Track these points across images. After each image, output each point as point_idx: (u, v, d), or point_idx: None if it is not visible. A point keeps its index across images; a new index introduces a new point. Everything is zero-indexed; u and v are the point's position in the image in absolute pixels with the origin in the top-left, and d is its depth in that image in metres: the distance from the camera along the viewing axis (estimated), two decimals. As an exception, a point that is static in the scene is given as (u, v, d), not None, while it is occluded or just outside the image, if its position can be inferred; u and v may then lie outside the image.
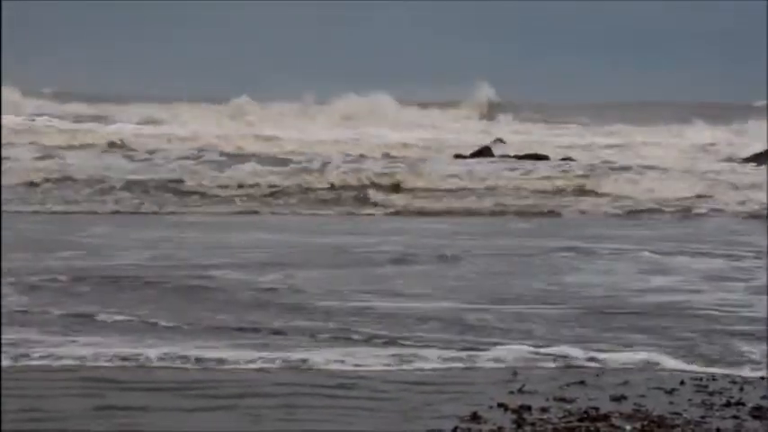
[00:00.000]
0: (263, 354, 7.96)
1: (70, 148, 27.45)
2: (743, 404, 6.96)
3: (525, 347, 8.30)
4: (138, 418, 6.53)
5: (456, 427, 6.31)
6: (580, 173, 23.75)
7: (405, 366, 7.83)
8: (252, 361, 7.81)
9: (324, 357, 7.93)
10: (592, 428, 6.33)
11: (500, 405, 6.81)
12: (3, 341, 8.10)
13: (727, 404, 6.97)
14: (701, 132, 35.45)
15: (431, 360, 7.99)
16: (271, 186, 21.53)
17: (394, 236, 15.63)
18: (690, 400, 7.10)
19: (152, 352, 7.95)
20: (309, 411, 6.72)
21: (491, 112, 42.14)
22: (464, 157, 27.78)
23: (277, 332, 8.87)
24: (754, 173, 24.61)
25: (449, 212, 19.58)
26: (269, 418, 6.56)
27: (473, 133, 33.59)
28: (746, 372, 7.83)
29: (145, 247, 13.80)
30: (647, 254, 13.81)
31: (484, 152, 28.20)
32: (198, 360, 7.82)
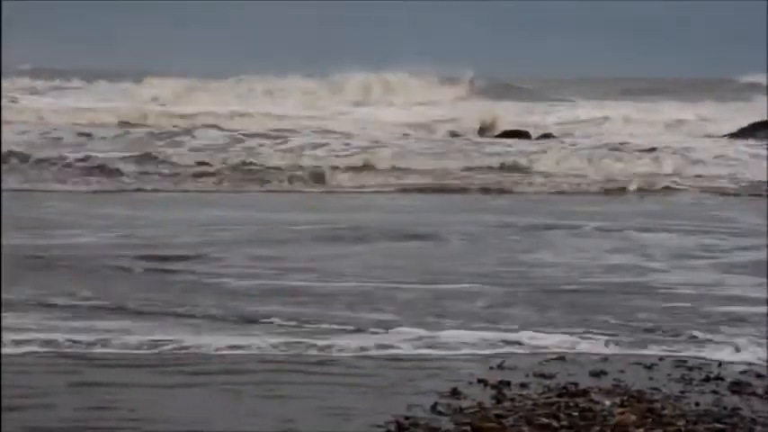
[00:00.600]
0: (236, 340, 7.91)
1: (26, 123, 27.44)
2: (722, 379, 7.10)
3: (490, 333, 8.25)
4: (115, 395, 6.59)
5: (436, 403, 6.40)
6: (557, 149, 23.85)
7: (382, 348, 7.85)
8: (235, 347, 7.77)
9: (297, 340, 7.93)
10: (571, 404, 6.43)
11: (480, 381, 6.91)
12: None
13: (707, 379, 7.11)
14: (681, 108, 35.57)
15: (408, 339, 8.05)
16: (246, 164, 21.58)
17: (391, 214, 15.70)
18: (669, 375, 7.23)
19: (130, 338, 7.91)
20: (289, 388, 6.80)
21: (475, 90, 42.10)
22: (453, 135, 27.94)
23: (248, 319, 8.75)
24: (735, 148, 24.58)
25: (418, 189, 19.58)
26: (249, 395, 6.64)
27: (461, 111, 33.53)
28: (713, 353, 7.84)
29: (106, 226, 13.77)
30: (622, 232, 13.89)
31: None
32: (167, 343, 7.78)
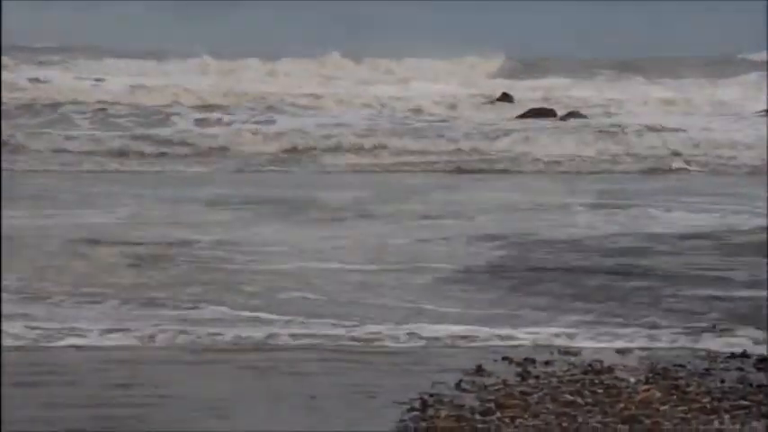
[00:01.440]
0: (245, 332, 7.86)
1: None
2: (747, 356, 7.21)
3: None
4: (135, 371, 6.74)
5: (460, 381, 6.53)
6: (581, 127, 23.87)
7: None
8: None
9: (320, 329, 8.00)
10: (596, 381, 6.57)
11: (504, 358, 7.05)
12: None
13: (732, 356, 7.24)
14: (701, 87, 35.50)
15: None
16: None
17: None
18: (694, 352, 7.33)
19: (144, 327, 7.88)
20: (313, 365, 6.94)
21: (503, 69, 42.02)
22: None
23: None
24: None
25: (434, 169, 19.67)
26: (273, 372, 6.78)
27: (485, 89, 33.47)
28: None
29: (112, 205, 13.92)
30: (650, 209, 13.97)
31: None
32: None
